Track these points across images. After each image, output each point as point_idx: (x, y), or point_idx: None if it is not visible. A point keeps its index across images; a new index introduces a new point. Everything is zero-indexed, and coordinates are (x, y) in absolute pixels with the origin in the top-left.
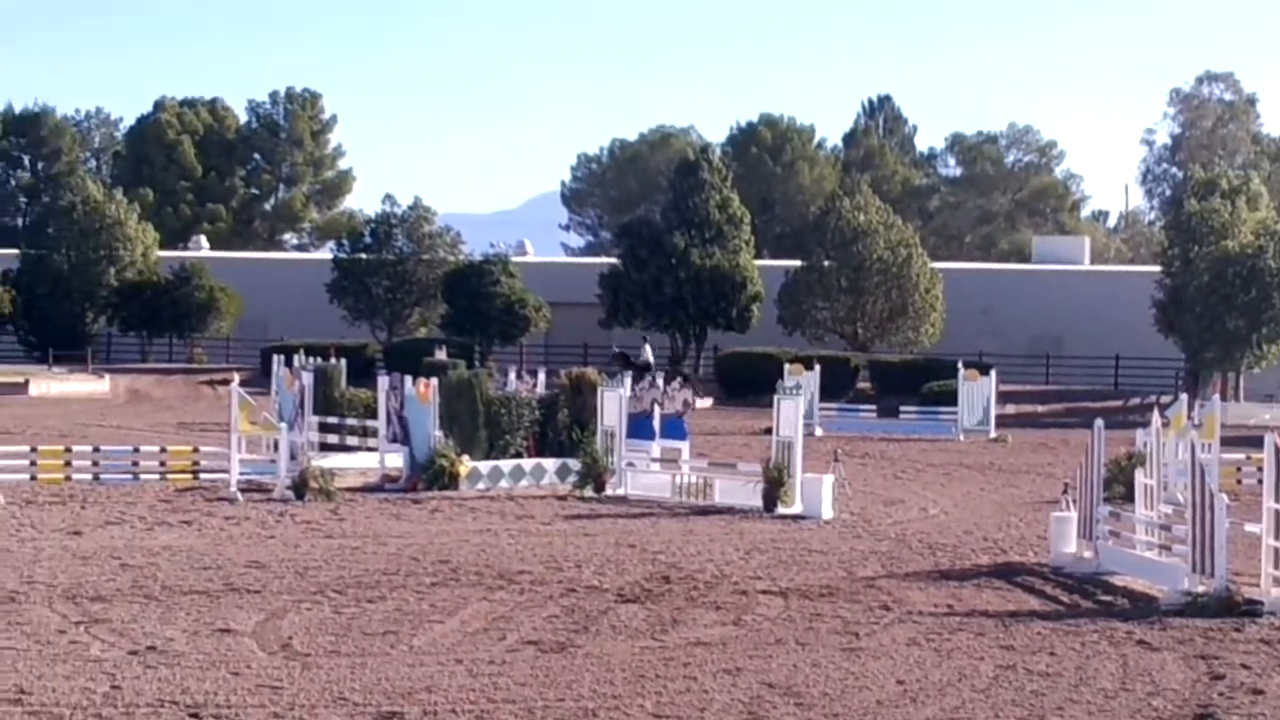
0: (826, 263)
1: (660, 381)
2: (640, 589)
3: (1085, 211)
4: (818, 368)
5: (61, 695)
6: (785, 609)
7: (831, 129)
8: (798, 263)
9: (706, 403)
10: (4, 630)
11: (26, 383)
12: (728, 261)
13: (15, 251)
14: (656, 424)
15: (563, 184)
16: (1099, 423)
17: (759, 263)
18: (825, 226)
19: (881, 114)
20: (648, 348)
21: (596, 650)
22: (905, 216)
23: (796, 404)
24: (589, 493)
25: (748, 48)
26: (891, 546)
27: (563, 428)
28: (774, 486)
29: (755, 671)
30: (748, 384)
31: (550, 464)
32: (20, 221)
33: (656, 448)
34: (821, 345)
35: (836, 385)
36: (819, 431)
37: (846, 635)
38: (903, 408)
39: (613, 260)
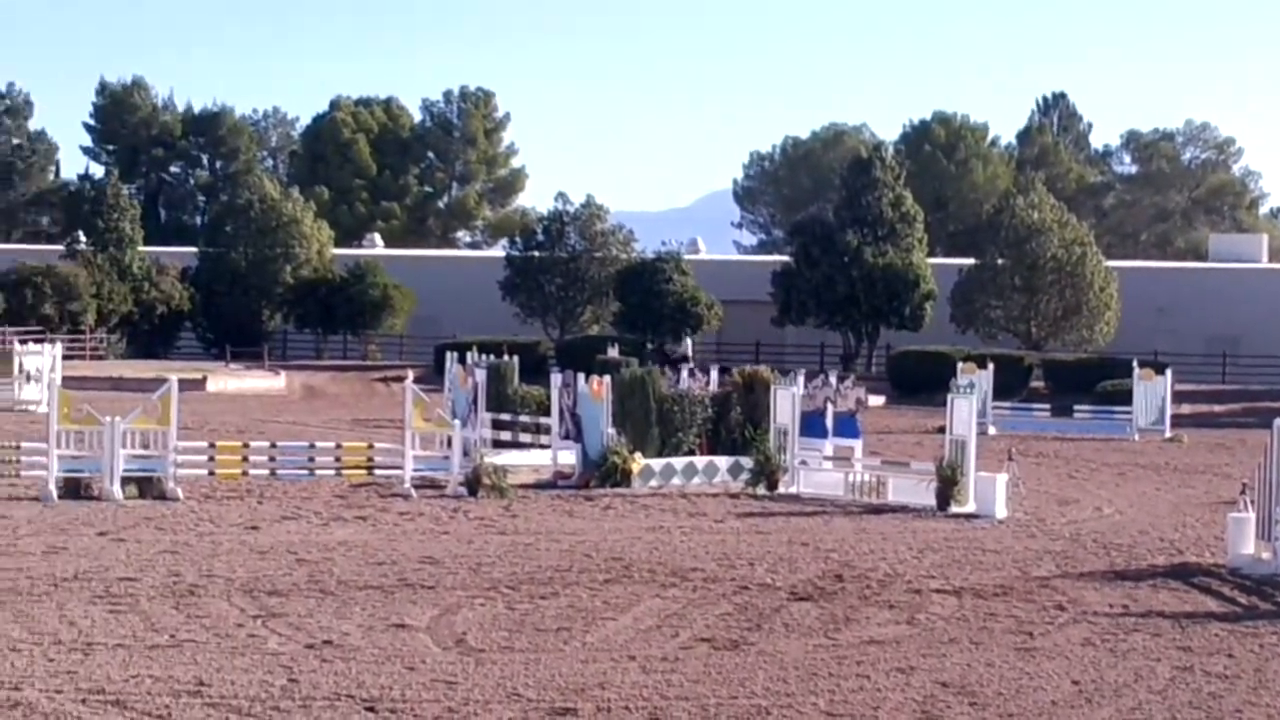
0: (1000, 261)
1: (833, 380)
2: (813, 587)
3: (1264, 209)
4: (991, 366)
5: (240, 688)
6: (959, 608)
7: (1005, 126)
8: (971, 261)
9: (879, 401)
10: (184, 623)
11: (204, 379)
12: (900, 260)
13: (194, 249)
14: (829, 422)
15: (735, 182)
16: (1278, 422)
17: (932, 261)
18: (999, 225)
19: (1056, 111)
20: (688, 341)
21: (769, 648)
22: (1080, 214)
23: (970, 403)
24: (761, 490)
25: (921, 45)
26: (1066, 546)
27: (735, 425)
28: (947, 485)
29: (929, 671)
30: (920, 382)
31: (723, 462)
32: (199, 220)
33: (829, 446)
34: (995, 344)
35: (1010, 384)
36: (992, 430)
37: (1021, 635)
38: (1077, 407)
39: (785, 258)
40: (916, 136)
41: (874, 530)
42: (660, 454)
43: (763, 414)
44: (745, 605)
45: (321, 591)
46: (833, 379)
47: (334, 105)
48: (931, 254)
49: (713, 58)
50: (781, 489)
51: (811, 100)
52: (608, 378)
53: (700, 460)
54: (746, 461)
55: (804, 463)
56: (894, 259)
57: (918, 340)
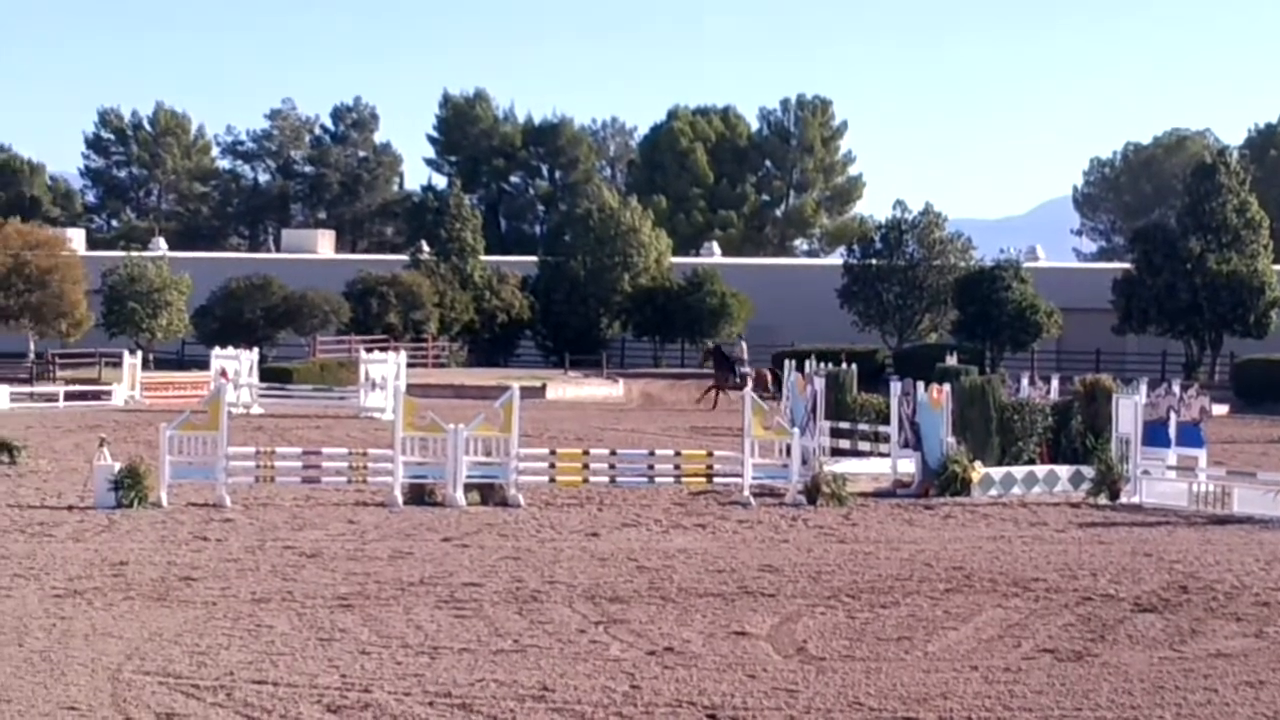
0: None
1: (1176, 388)
2: (1157, 598)
3: None
4: None
5: (583, 693)
6: None
7: None
8: None
9: (1222, 410)
10: (528, 629)
11: (544, 386)
12: (1245, 267)
13: (534, 258)
14: (1172, 431)
15: (1074, 188)
16: None
17: (1278, 268)
18: None
19: None
20: (743, 343)
21: (1114, 660)
22: None
23: None
24: (1103, 500)
25: (1267, 48)
26: None
27: (1077, 435)
28: None
29: (1279, 685)
30: (1266, 391)
31: (1063, 471)
32: (538, 229)
33: (1172, 455)
34: None
35: None
36: None
37: None
38: None
39: (1126, 265)
40: (1262, 140)
41: (1219, 541)
42: (1000, 463)
43: (1104, 423)
44: (1088, 616)
45: (662, 598)
46: (1175, 387)
47: (672, 115)
48: (1278, 260)
49: (1052, 64)
50: (1123, 499)
51: (1154, 105)
52: (947, 386)
53: (1041, 469)
54: (1088, 471)
55: (1146, 472)
56: (1238, 266)
57: (1263, 348)
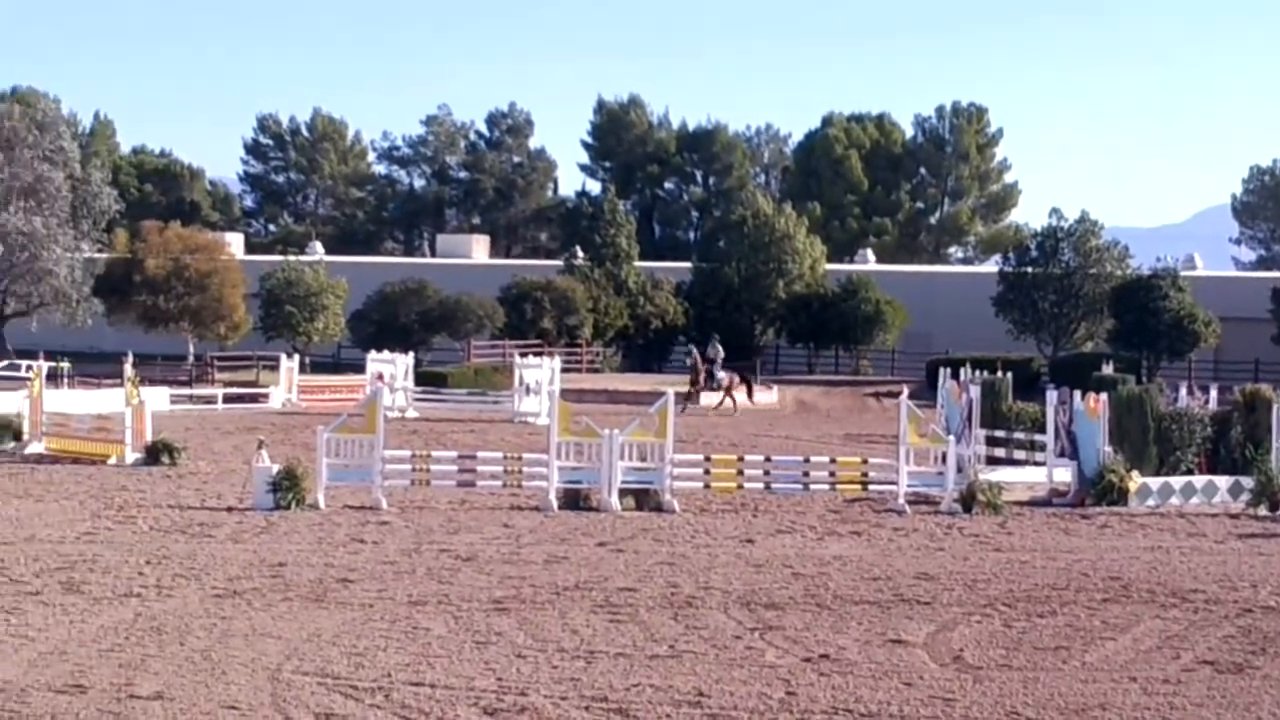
0: None
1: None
2: None
3: None
4: None
5: (739, 700)
6: None
7: None
8: None
9: None
10: (683, 634)
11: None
12: None
13: (687, 265)
14: None
15: (1233, 196)
16: None
17: None
18: None
19: None
20: (718, 345)
21: (1275, 672)
22: None
23: None
24: (1262, 511)
25: None
26: None
27: (1236, 445)
28: None
29: None
30: None
31: (1222, 481)
32: (692, 235)
33: None
34: None
35: None
36: None
37: None
38: None
39: None
40: None
41: None
42: (1158, 473)
43: (1264, 433)
44: (1249, 628)
45: (817, 605)
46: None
47: (826, 121)
48: None
49: (1209, 71)
50: None
51: None
52: (1104, 395)
53: (1199, 480)
54: (1247, 481)
55: None
56: None
57: None
